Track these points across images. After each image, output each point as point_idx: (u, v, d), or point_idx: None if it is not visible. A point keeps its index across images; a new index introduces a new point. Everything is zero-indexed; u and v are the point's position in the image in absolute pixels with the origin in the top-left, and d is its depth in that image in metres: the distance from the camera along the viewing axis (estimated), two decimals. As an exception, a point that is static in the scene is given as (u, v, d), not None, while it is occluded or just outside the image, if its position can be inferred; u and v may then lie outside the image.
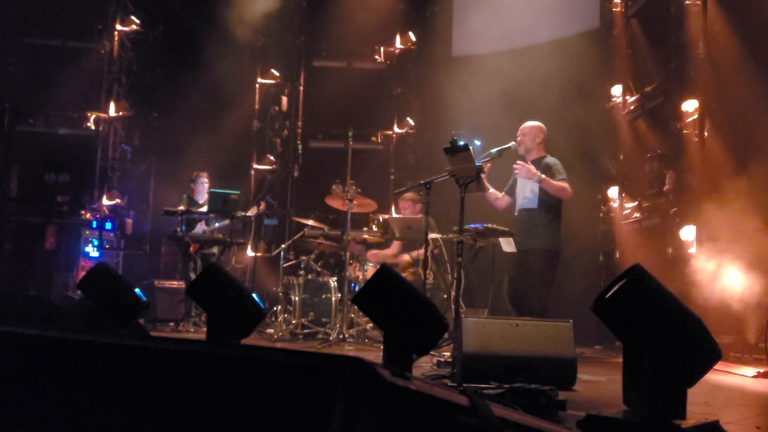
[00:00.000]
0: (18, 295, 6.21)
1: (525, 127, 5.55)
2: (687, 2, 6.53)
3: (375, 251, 7.33)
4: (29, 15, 9.50)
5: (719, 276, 5.59)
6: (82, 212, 9.41)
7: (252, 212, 7.33)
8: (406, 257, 7.08)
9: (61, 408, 0.95)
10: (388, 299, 3.22)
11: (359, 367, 0.68)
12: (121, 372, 0.87)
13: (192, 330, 7.06)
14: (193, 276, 7.05)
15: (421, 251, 6.77)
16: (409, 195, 7.12)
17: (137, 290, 4.33)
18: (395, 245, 7.36)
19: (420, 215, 6.85)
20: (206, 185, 7.65)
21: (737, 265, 5.50)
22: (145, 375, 0.84)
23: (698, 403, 3.09)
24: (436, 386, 0.76)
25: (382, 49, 10.17)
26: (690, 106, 6.37)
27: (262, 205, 7.43)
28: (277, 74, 10.14)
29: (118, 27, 9.86)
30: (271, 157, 10.23)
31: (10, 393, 1.03)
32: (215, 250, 7.45)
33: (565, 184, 5.23)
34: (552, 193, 5.23)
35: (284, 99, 10.28)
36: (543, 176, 5.15)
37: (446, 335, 4.33)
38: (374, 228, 7.43)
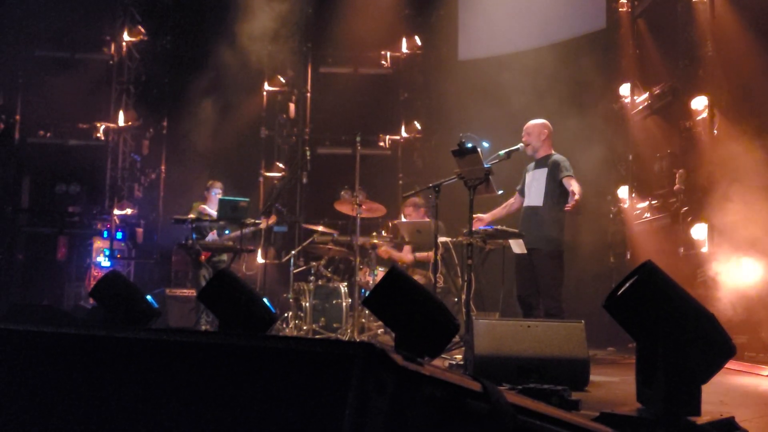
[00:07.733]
0: (29, 305, 6.25)
1: (529, 126, 5.50)
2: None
3: (387, 249, 7.28)
4: (38, 28, 9.59)
5: (732, 275, 5.54)
6: (94, 222, 9.47)
7: (262, 225, 7.31)
8: (409, 256, 7.10)
9: (79, 405, 0.96)
10: (399, 301, 3.22)
11: (372, 352, 0.68)
12: (135, 365, 0.87)
13: (203, 337, 7.06)
14: (203, 284, 7.04)
15: (427, 253, 6.77)
16: (412, 200, 7.12)
17: (149, 297, 4.36)
18: (406, 250, 7.36)
19: (426, 219, 6.85)
20: (219, 195, 7.63)
21: (750, 263, 5.46)
22: (159, 367, 0.85)
23: (713, 401, 3.06)
24: (449, 371, 0.76)
25: (388, 54, 10.19)
26: (699, 103, 6.33)
27: (273, 219, 7.40)
28: (284, 81, 10.18)
29: (126, 37, 9.94)
30: (280, 164, 10.26)
31: (29, 392, 1.04)
32: (225, 257, 7.45)
33: (573, 182, 5.16)
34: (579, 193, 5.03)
35: (291, 106, 10.31)
36: (576, 195, 4.94)
37: (457, 338, 4.32)
38: (383, 233, 7.42)
